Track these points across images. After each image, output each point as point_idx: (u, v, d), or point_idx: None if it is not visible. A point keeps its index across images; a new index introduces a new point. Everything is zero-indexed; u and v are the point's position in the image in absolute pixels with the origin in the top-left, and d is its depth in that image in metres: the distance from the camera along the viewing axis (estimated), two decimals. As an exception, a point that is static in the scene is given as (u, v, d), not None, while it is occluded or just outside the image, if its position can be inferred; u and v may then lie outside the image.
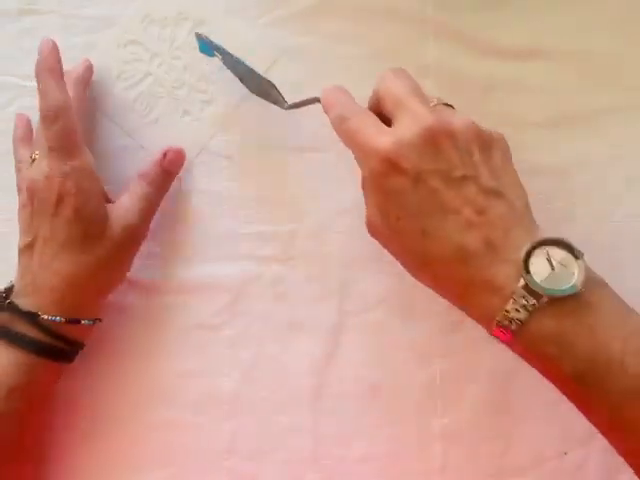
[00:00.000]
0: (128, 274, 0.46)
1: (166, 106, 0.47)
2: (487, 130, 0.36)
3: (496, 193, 0.34)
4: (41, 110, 0.41)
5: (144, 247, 0.46)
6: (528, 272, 0.32)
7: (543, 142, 0.45)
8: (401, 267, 0.45)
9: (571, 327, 0.32)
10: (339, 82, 0.45)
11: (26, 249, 0.42)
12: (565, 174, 0.45)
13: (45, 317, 0.40)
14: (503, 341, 0.33)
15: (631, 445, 0.32)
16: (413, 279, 0.45)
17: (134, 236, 0.43)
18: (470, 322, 0.44)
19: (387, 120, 0.36)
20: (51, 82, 0.41)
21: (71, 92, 0.45)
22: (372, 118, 0.37)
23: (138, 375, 0.46)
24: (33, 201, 0.42)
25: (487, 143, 0.36)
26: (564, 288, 0.32)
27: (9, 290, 0.42)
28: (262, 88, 0.44)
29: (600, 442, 0.43)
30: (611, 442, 0.33)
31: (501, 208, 0.34)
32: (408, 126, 0.35)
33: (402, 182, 0.34)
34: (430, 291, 0.45)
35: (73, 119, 0.42)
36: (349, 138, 0.37)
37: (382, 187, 0.35)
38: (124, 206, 0.43)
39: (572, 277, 0.32)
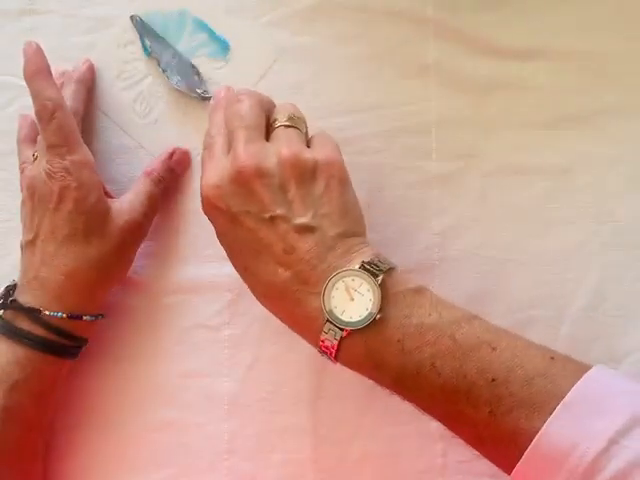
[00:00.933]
0: (128, 274, 0.46)
1: (166, 106, 0.47)
2: (312, 159, 0.37)
3: (307, 228, 0.36)
4: (36, 111, 0.42)
5: (144, 247, 0.46)
6: (329, 307, 0.34)
7: (543, 142, 0.45)
8: (400, 267, 0.45)
9: (378, 347, 0.34)
10: (339, 82, 0.46)
11: (28, 246, 0.42)
12: (565, 174, 0.45)
13: (47, 313, 0.40)
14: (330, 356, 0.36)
15: (466, 435, 0.34)
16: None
17: (136, 231, 0.44)
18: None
19: None
20: (41, 82, 0.42)
21: (73, 92, 0.45)
22: (219, 152, 0.38)
23: (138, 375, 0.46)
24: (34, 198, 0.42)
25: (308, 174, 0.36)
26: (361, 319, 0.34)
27: (12, 288, 0.42)
28: (187, 76, 0.46)
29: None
30: (453, 433, 0.35)
31: (310, 243, 0.35)
32: (226, 167, 0.37)
33: (222, 222, 0.37)
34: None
35: (68, 115, 0.42)
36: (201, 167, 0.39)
37: (211, 223, 0.38)
38: (128, 202, 0.44)
39: (369, 304, 0.34)
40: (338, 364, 0.36)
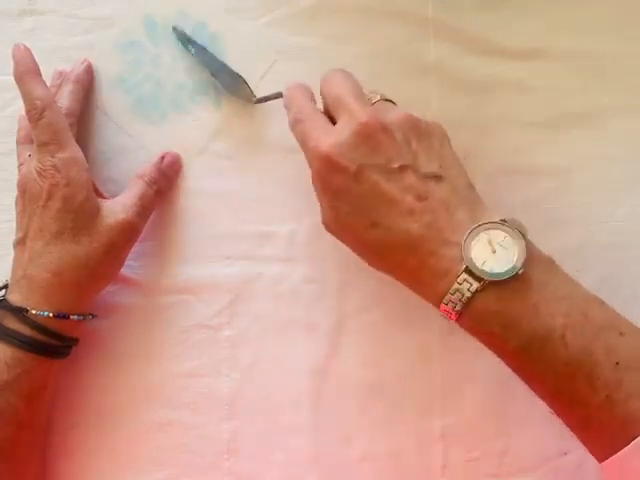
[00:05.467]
0: (128, 274, 0.46)
1: (167, 106, 0.47)
2: (423, 120, 0.38)
3: (436, 177, 0.36)
4: (26, 111, 0.42)
5: (144, 247, 0.46)
6: (469, 256, 0.34)
7: (543, 142, 0.45)
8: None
9: (513, 306, 0.34)
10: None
11: (18, 244, 0.42)
12: (565, 174, 0.45)
13: (33, 312, 0.40)
14: (450, 319, 0.35)
15: (573, 415, 0.34)
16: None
17: (128, 232, 0.43)
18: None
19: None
20: (30, 82, 0.42)
21: (70, 92, 0.45)
22: (322, 121, 0.38)
23: (138, 375, 0.46)
24: (24, 196, 0.42)
25: (424, 131, 0.37)
26: (504, 271, 0.34)
27: (5, 287, 0.42)
28: (233, 83, 0.46)
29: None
30: (556, 413, 0.35)
31: (442, 191, 0.36)
32: (345, 125, 0.37)
33: (344, 180, 0.36)
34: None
35: (58, 114, 0.42)
36: (300, 140, 0.39)
37: (328, 186, 0.37)
38: (120, 202, 0.43)
39: (513, 258, 0.34)
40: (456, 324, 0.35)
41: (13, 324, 0.40)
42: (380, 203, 0.36)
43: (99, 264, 0.42)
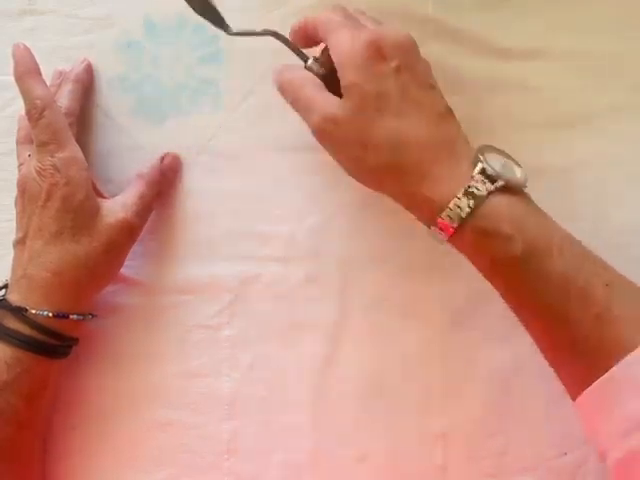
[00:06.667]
0: (128, 274, 0.46)
1: (167, 106, 0.47)
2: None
3: (447, 111, 0.39)
4: (26, 111, 0.42)
5: (144, 247, 0.46)
6: (487, 160, 0.36)
7: (543, 142, 0.45)
8: (401, 267, 0.45)
9: (522, 210, 0.36)
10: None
11: (18, 244, 0.42)
12: (565, 174, 0.45)
13: (33, 312, 0.40)
14: (446, 231, 0.36)
15: (561, 334, 0.35)
16: (413, 279, 0.45)
17: (127, 232, 0.43)
18: (470, 322, 0.45)
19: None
20: (29, 81, 0.42)
21: (69, 91, 0.45)
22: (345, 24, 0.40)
23: (138, 375, 0.46)
24: (24, 196, 0.42)
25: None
26: (519, 176, 0.37)
27: (5, 287, 0.42)
28: (207, 11, 0.44)
29: (600, 442, 0.43)
30: (543, 333, 0.36)
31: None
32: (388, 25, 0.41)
33: (386, 68, 0.38)
34: (430, 291, 0.45)
35: (58, 113, 0.42)
36: (335, 35, 0.39)
37: (369, 69, 0.38)
38: (119, 202, 0.43)
39: (518, 173, 0.37)
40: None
41: (13, 324, 0.40)
42: (408, 104, 0.37)
43: (99, 263, 0.42)
